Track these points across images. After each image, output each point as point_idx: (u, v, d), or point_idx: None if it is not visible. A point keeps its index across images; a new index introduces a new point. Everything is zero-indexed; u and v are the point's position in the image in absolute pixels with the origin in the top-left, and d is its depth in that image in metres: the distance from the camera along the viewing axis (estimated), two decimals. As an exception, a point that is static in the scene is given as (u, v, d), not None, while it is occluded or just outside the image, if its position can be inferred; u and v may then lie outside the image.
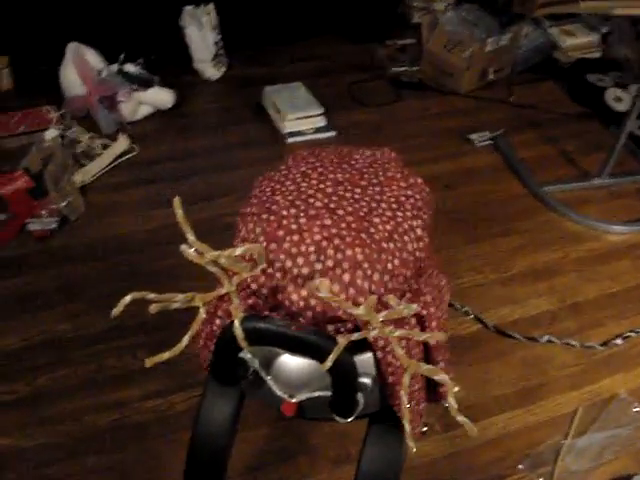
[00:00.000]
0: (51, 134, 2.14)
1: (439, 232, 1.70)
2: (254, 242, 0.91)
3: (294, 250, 0.89)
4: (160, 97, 2.32)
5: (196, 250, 0.75)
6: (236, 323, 0.82)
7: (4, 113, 2.34)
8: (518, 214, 2.06)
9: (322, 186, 0.99)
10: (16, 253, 1.87)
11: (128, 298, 0.76)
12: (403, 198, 1.00)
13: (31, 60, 2.48)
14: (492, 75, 2.60)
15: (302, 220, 0.92)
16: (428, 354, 0.96)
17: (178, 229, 0.77)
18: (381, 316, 0.79)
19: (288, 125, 2.26)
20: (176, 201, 0.74)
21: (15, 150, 2.17)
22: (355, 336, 0.80)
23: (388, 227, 0.94)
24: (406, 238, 0.94)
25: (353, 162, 1.06)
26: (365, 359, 0.91)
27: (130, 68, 2.29)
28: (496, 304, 1.76)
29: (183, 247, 0.74)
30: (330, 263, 0.88)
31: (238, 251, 0.78)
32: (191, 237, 0.76)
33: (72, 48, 2.30)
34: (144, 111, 2.35)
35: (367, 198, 0.98)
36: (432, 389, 1.03)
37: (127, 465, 1.35)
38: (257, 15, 2.70)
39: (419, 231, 0.97)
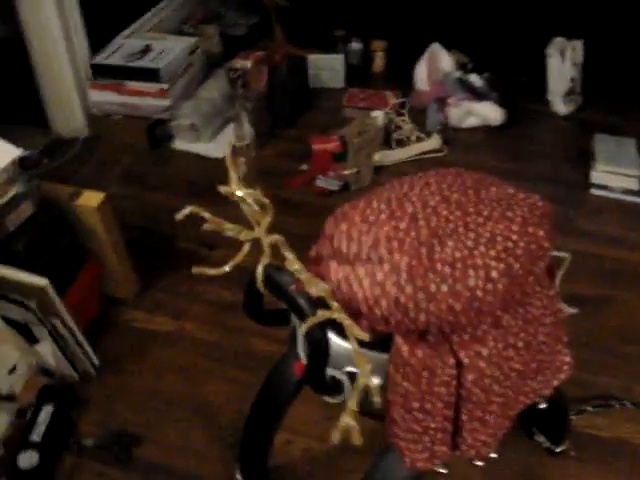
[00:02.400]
0: (377, 114, 2.38)
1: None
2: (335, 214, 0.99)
3: (355, 235, 0.95)
4: (489, 112, 2.38)
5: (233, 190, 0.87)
6: (259, 268, 0.93)
7: (361, 88, 2.66)
8: None
9: (429, 199, 1.00)
10: (297, 199, 2.17)
11: (187, 210, 0.92)
12: (500, 238, 0.96)
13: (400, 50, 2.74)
14: None
15: (382, 216, 0.97)
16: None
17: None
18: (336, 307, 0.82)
19: (596, 176, 2.14)
20: (227, 143, 0.87)
21: (344, 119, 2.47)
22: (325, 314, 0.85)
23: (457, 254, 0.92)
24: (471, 272, 0.92)
25: (484, 191, 1.05)
26: (378, 357, 0.94)
27: (473, 78, 2.39)
28: None
29: (222, 187, 0.87)
30: (374, 257, 0.92)
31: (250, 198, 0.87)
32: (234, 176, 0.88)
33: (432, 48, 2.49)
34: (472, 122, 2.44)
35: (461, 222, 0.97)
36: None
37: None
38: (624, 62, 2.55)
39: (494, 274, 0.93)
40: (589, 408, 1.50)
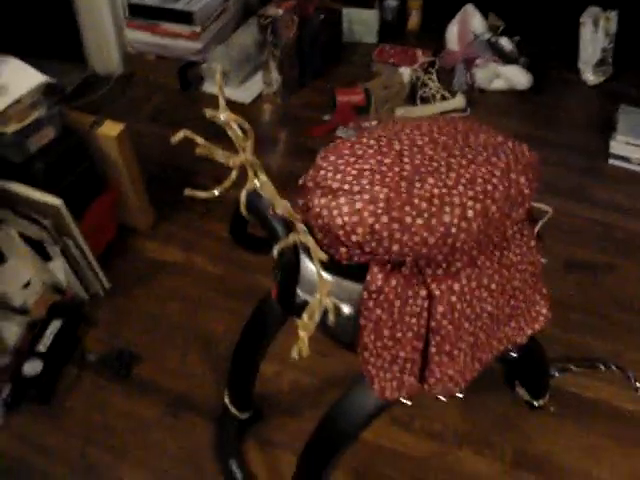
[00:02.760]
0: (405, 71, 2.39)
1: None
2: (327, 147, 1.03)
3: (341, 167, 0.99)
4: (515, 75, 2.38)
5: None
6: (243, 192, 0.98)
7: (391, 44, 2.66)
8: None
9: (417, 139, 1.03)
10: (317, 147, 2.20)
11: (181, 133, 0.96)
12: (480, 180, 0.99)
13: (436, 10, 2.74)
14: None
15: (370, 151, 1.01)
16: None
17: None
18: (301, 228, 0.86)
19: (615, 146, 2.13)
20: (219, 68, 0.91)
21: (372, 73, 2.49)
22: (296, 237, 0.89)
23: (436, 191, 0.95)
24: (447, 209, 0.95)
25: (473, 137, 1.07)
26: (352, 287, 0.99)
27: (503, 41, 2.38)
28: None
29: (207, 110, 0.91)
30: (356, 189, 0.96)
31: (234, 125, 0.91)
32: (222, 101, 0.92)
33: (466, 8, 2.48)
34: (500, 84, 2.44)
35: (444, 163, 1.00)
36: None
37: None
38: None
39: (470, 213, 0.96)
40: (573, 367, 1.54)
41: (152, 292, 1.73)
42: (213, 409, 1.45)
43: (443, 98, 2.36)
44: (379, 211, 0.92)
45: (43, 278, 1.64)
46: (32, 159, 1.56)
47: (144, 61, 2.49)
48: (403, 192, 0.94)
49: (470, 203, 0.95)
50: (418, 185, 0.95)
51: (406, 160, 0.99)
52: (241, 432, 1.42)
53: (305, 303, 1.01)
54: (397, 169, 0.97)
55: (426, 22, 2.82)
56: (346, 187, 0.97)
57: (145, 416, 1.46)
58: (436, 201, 0.94)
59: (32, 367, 1.48)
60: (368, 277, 0.96)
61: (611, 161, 2.15)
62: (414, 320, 0.98)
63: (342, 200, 0.96)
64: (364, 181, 0.96)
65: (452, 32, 2.50)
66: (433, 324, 0.99)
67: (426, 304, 0.97)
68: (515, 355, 1.22)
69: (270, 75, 2.33)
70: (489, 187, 0.98)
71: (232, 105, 2.39)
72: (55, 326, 1.57)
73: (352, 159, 0.99)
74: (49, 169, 1.57)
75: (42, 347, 1.52)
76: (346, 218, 0.94)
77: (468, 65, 2.39)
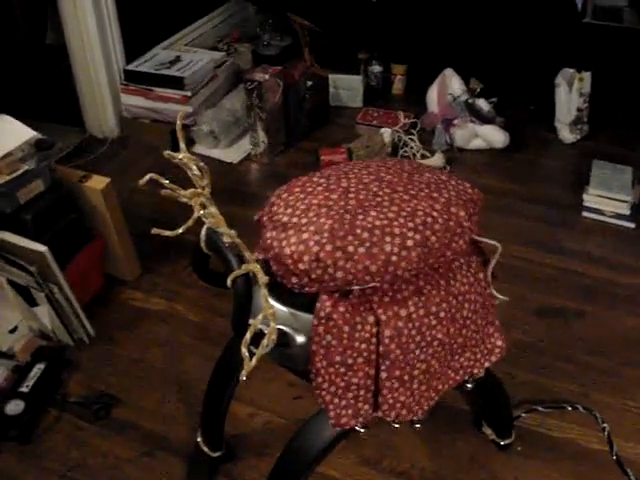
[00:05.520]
0: (386, 131, 2.50)
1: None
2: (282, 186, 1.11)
3: (291, 203, 1.07)
4: (493, 135, 2.48)
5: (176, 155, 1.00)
6: (203, 229, 1.06)
7: (376, 107, 2.79)
8: None
9: (365, 177, 1.11)
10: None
11: (148, 176, 1.05)
12: (421, 213, 1.06)
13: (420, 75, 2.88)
14: None
15: (319, 188, 1.09)
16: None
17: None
18: (252, 256, 0.93)
19: (588, 199, 2.21)
20: (180, 114, 1.00)
21: (356, 134, 2.61)
22: (248, 268, 0.97)
23: (377, 223, 1.02)
24: (388, 239, 1.02)
25: (417, 175, 1.15)
26: (306, 318, 1.05)
27: (480, 102, 2.49)
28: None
29: (165, 152, 1.00)
30: (304, 221, 1.03)
31: (194, 167, 1.00)
32: (182, 144, 1.01)
33: (445, 72, 2.61)
34: (478, 143, 2.54)
35: (387, 198, 1.07)
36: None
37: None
38: (632, 95, 2.62)
39: (410, 242, 1.02)
40: (540, 408, 1.57)
41: (134, 338, 1.78)
42: (189, 449, 1.49)
43: (423, 157, 2.45)
44: (323, 240, 1.00)
45: (30, 323, 1.70)
46: (21, 209, 1.64)
47: (138, 124, 2.61)
48: (347, 223, 1.01)
49: (410, 234, 1.02)
50: (361, 217, 1.02)
51: (351, 196, 1.06)
52: (212, 470, 1.46)
53: (259, 331, 1.07)
54: (342, 203, 1.05)
55: (410, 87, 2.95)
56: (295, 220, 1.04)
57: (122, 456, 1.50)
58: (377, 232, 1.01)
59: (14, 407, 1.53)
60: (317, 304, 1.02)
61: (584, 214, 2.22)
62: (364, 346, 1.03)
63: (290, 232, 1.03)
64: (311, 214, 1.04)
65: (432, 94, 2.62)
66: (382, 349, 1.04)
67: (374, 330, 1.03)
68: (470, 386, 1.25)
69: (257, 136, 2.45)
70: (429, 219, 1.05)
71: (221, 165, 2.52)
72: (39, 369, 1.62)
73: (302, 195, 1.08)
74: (37, 219, 1.66)
75: (25, 388, 1.57)
76: (293, 247, 1.01)
77: (447, 125, 2.50)
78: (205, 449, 1.44)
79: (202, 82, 2.59)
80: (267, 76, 2.37)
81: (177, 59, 2.62)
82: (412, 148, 2.50)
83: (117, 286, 1.95)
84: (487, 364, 1.20)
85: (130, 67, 2.56)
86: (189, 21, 3.03)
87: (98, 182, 1.76)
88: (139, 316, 1.86)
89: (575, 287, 1.94)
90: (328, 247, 0.99)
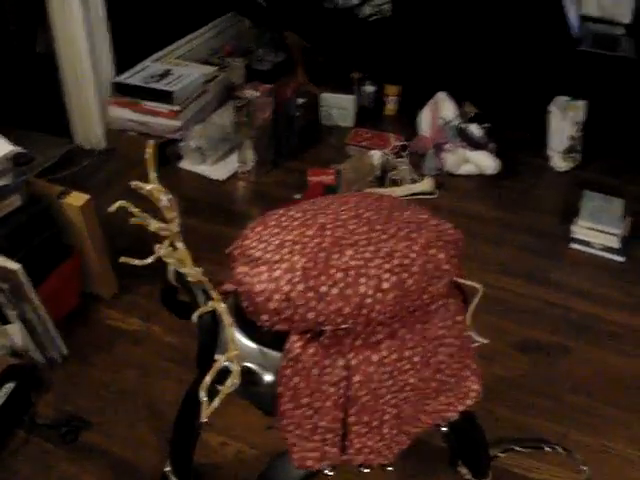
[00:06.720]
0: (375, 154, 2.47)
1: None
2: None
3: (265, 237, 1.04)
4: (484, 161, 2.46)
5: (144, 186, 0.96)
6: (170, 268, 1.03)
7: (368, 128, 2.77)
8: None
9: (342, 214, 1.08)
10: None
11: (117, 204, 1.01)
12: (398, 254, 1.02)
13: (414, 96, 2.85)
14: None
15: (294, 223, 1.06)
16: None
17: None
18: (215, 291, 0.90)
19: (577, 231, 2.19)
20: (150, 144, 0.97)
21: (347, 155, 2.58)
22: (214, 304, 0.93)
23: (353, 263, 0.99)
24: (362, 280, 0.99)
25: (397, 213, 1.12)
26: (275, 356, 1.01)
27: (472, 127, 2.47)
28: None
29: (133, 182, 0.96)
30: (276, 258, 1.00)
31: (166, 200, 0.96)
32: (152, 174, 0.98)
33: (437, 96, 2.59)
34: (468, 169, 2.51)
35: (365, 237, 1.04)
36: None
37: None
38: (628, 125, 2.60)
39: (385, 285, 0.99)
40: (517, 447, 1.53)
41: (108, 359, 1.75)
42: (157, 476, 1.45)
43: (413, 181, 2.43)
44: (296, 279, 0.96)
45: (1, 341, 1.66)
46: (-4, 225, 1.61)
47: (126, 137, 2.58)
48: (321, 262, 0.98)
49: (386, 275, 0.99)
50: (336, 256, 0.99)
51: (328, 233, 1.03)
52: (180, 502, 1.42)
53: (225, 368, 1.04)
54: (318, 240, 1.01)
55: (403, 108, 2.92)
56: (267, 256, 1.01)
57: (88, 482, 1.46)
58: (352, 272, 0.98)
59: (-21, 429, 1.49)
60: (287, 344, 0.99)
61: (572, 245, 2.20)
62: (333, 389, 1.00)
63: (262, 268, 1.00)
64: (285, 251, 1.00)
65: (424, 118, 2.59)
66: (351, 393, 1.00)
67: (344, 373, 0.99)
68: (444, 429, 1.22)
69: (245, 154, 2.42)
70: (406, 261, 1.01)
71: (207, 181, 2.48)
72: (8, 388, 1.58)
73: (276, 230, 1.04)
74: (11, 236, 1.62)
75: (-8, 409, 1.53)
76: (264, 285, 0.98)
77: (438, 150, 2.47)
78: (173, 479, 1.40)
79: (191, 97, 2.56)
80: (257, 93, 2.34)
81: (167, 72, 2.59)
82: (401, 171, 2.46)
83: (94, 304, 1.91)
84: (461, 408, 1.17)
85: (119, 79, 2.53)
86: (183, 33, 3.00)
87: (77, 199, 1.73)
88: (114, 336, 1.82)
89: (560, 321, 1.91)
90: (300, 287, 0.96)
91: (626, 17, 2.89)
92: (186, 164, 2.53)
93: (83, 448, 1.53)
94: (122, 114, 2.54)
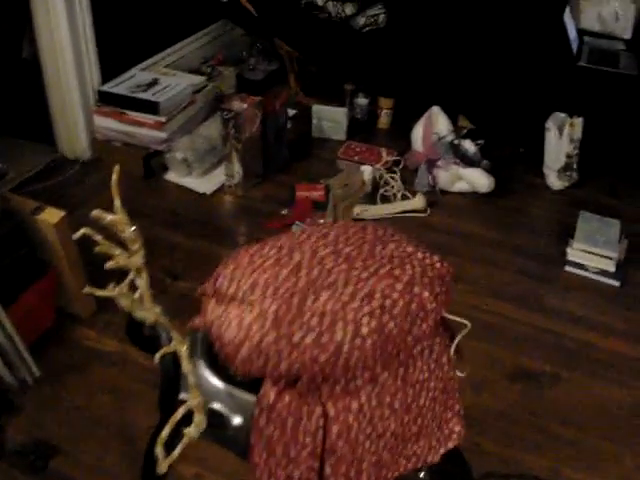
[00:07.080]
0: (366, 169, 2.41)
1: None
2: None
3: (237, 277, 0.98)
4: (477, 178, 2.40)
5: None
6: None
7: (358, 142, 2.70)
8: None
9: (320, 250, 1.02)
10: (272, 241, 2.20)
11: (81, 231, 0.94)
12: (379, 295, 0.96)
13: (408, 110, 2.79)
14: None
15: (268, 262, 0.99)
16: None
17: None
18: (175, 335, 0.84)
19: (572, 253, 2.13)
20: (116, 169, 0.90)
21: (337, 170, 2.51)
22: (176, 346, 0.87)
23: (329, 307, 0.93)
24: (340, 325, 0.93)
25: (380, 247, 1.06)
26: (245, 397, 0.95)
27: (466, 144, 2.41)
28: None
29: (94, 211, 0.89)
30: (248, 301, 0.94)
31: (130, 231, 0.90)
32: (117, 202, 0.91)
33: (431, 111, 2.53)
34: (461, 186, 2.45)
35: (343, 276, 0.98)
36: None
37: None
38: (625, 144, 2.54)
39: (364, 330, 0.93)
40: (503, 484, 1.47)
41: (82, 382, 1.69)
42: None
43: (404, 198, 2.36)
44: (266, 327, 0.90)
45: (-31, 364, 1.60)
46: (-34, 244, 1.54)
47: (111, 147, 2.51)
48: (294, 307, 0.92)
49: (365, 320, 0.93)
50: (311, 300, 0.93)
51: (303, 272, 0.97)
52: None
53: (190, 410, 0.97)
54: (292, 281, 0.95)
55: (396, 121, 2.86)
56: (239, 299, 0.95)
57: (54, 515, 1.40)
58: (328, 317, 0.92)
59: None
60: (261, 392, 0.93)
61: (567, 268, 2.14)
62: (309, 439, 0.94)
63: (233, 313, 0.94)
64: (257, 293, 0.94)
65: (417, 132, 2.53)
66: (328, 443, 0.95)
67: (321, 422, 0.93)
68: (422, 476, 1.16)
69: (232, 167, 2.35)
70: (387, 302, 0.95)
71: (193, 194, 2.42)
72: (-25, 414, 1.51)
73: (249, 270, 0.98)
74: (-18, 254, 1.55)
75: (-43, 436, 1.46)
76: (234, 332, 0.92)
77: (431, 166, 2.41)
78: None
79: (178, 107, 2.49)
80: (245, 105, 2.28)
81: (154, 82, 2.52)
82: (393, 187, 2.40)
83: (70, 323, 1.85)
84: (443, 450, 1.11)
85: (105, 88, 2.46)
86: (173, 41, 2.93)
87: (52, 215, 1.66)
88: (90, 357, 1.76)
89: (553, 349, 1.85)
90: (271, 335, 0.90)
91: (626, 32, 2.83)
92: (172, 176, 2.47)
93: (52, 477, 1.47)
94: (107, 124, 2.47)
